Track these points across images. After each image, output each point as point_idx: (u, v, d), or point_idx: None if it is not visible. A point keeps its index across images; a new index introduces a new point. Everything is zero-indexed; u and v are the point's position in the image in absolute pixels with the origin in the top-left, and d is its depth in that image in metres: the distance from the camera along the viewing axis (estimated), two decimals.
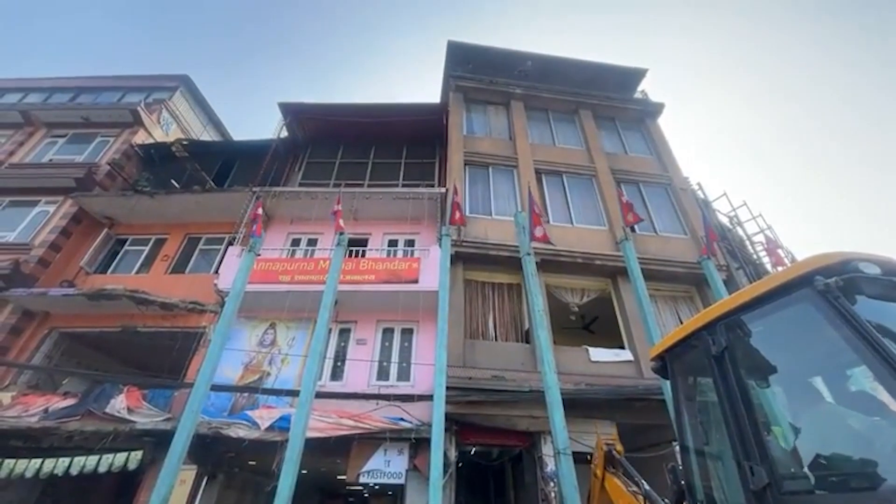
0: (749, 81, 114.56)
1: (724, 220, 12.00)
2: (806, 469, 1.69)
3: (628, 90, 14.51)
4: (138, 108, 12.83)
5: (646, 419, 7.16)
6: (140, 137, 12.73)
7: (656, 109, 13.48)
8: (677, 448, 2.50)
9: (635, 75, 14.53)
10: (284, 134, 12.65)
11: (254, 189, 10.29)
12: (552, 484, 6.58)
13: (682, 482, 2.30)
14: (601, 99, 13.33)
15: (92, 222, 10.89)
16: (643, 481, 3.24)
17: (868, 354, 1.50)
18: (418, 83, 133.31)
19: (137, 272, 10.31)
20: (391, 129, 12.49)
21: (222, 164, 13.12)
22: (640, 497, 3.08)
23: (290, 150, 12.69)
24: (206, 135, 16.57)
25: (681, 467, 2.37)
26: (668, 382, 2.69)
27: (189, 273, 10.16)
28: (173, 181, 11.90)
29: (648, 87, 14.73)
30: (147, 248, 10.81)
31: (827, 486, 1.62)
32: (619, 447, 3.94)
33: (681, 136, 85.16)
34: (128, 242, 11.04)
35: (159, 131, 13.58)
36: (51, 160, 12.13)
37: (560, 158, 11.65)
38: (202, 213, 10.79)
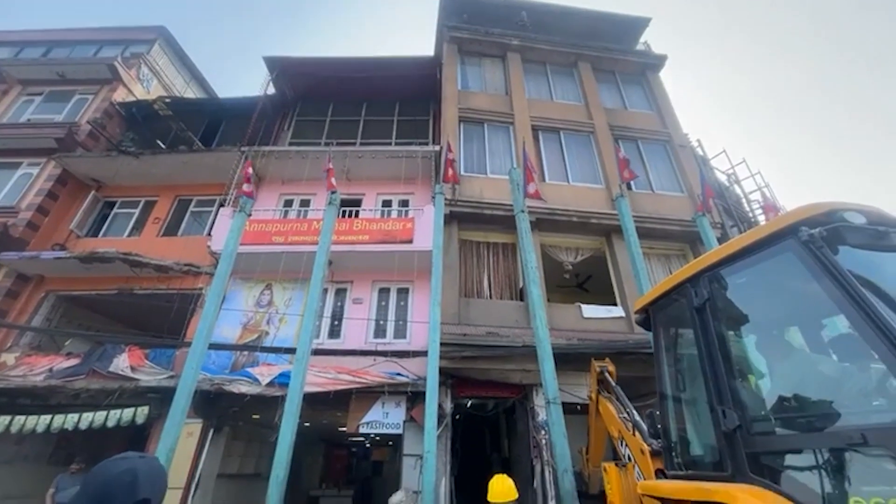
0: (755, 35, 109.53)
1: (723, 178, 11.90)
2: (774, 412, 1.76)
3: (630, 41, 13.83)
4: (115, 63, 12.18)
5: (634, 372, 7.35)
6: (120, 95, 12.18)
7: (658, 62, 12.91)
8: None
9: (637, 25, 13.81)
10: (272, 91, 12.14)
11: (242, 149, 10.01)
12: (543, 432, 6.92)
13: (659, 426, 2.42)
14: (601, 51, 12.72)
15: (78, 184, 10.65)
16: (633, 410, 3.36)
17: (846, 303, 1.51)
18: (411, 39, 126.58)
19: (129, 235, 10.23)
20: (383, 84, 12.01)
21: (209, 124, 12.69)
22: (629, 424, 3.22)
23: (278, 108, 12.23)
24: (190, 92, 15.86)
25: (657, 413, 2.48)
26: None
27: (181, 235, 10.09)
28: (158, 141, 11.55)
29: (651, 39, 14.07)
30: (137, 211, 10.67)
31: (793, 427, 1.70)
32: (612, 368, 4.05)
33: (682, 91, 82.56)
34: (117, 205, 10.86)
35: (140, 88, 12.99)
36: (29, 120, 11.66)
37: (557, 114, 11.30)
38: (191, 175, 10.54)
